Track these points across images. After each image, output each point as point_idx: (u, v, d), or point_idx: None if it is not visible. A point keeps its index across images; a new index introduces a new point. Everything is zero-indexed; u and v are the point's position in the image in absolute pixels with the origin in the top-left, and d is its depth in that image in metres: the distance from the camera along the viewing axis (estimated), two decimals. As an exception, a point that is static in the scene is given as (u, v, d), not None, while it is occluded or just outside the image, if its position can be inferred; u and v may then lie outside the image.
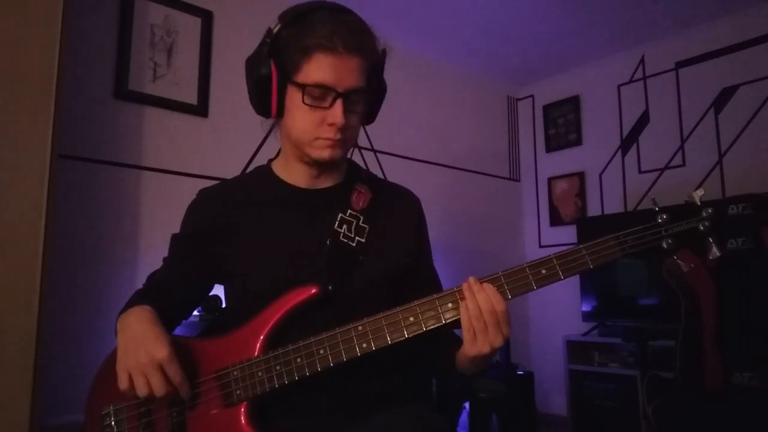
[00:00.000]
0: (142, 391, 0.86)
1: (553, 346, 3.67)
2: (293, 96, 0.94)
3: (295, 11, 0.93)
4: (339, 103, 0.92)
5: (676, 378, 2.10)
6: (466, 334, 0.86)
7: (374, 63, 0.97)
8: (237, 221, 1.02)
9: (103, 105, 2.31)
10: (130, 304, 0.98)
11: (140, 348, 0.87)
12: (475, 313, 0.85)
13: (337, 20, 0.91)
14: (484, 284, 0.87)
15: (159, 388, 0.85)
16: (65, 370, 2.02)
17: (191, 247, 1.05)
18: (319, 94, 0.92)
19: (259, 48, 0.95)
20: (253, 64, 0.96)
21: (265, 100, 0.96)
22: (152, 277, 1.09)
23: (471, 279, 0.87)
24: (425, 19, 3.21)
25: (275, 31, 0.93)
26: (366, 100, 0.98)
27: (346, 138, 0.97)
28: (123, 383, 0.87)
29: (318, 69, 0.90)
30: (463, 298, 0.87)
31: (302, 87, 0.91)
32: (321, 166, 1.02)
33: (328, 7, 0.94)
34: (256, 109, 1.01)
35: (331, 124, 0.93)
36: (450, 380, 2.51)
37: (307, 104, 0.92)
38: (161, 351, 0.86)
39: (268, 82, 0.94)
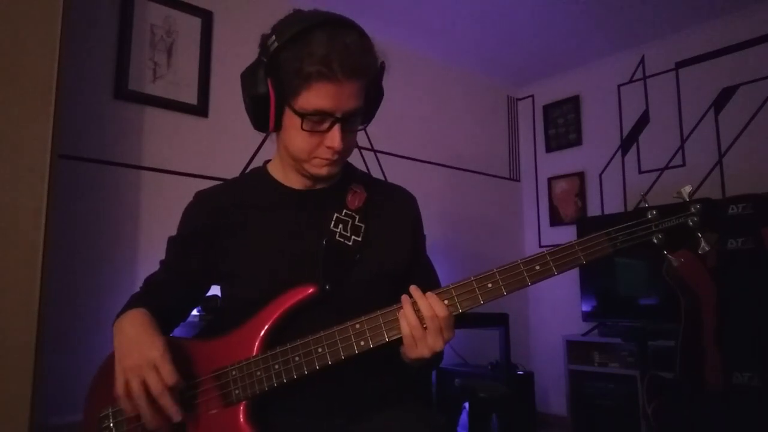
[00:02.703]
0: (136, 392, 0.85)
1: (553, 346, 3.67)
2: (291, 118, 0.93)
3: (292, 28, 0.89)
4: (337, 128, 0.92)
5: (676, 378, 2.10)
6: (405, 340, 0.88)
7: (373, 78, 0.96)
8: (234, 223, 1.02)
9: (103, 105, 2.31)
10: (126, 308, 0.99)
11: (134, 350, 0.87)
12: (414, 322, 0.87)
13: (337, 43, 0.87)
14: (427, 293, 0.89)
15: (156, 388, 0.85)
16: (65, 371, 2.02)
17: (188, 249, 1.05)
18: (318, 119, 0.92)
19: (256, 64, 0.93)
20: (249, 81, 0.93)
21: (262, 117, 0.94)
22: (149, 280, 1.09)
23: (412, 287, 0.89)
24: (425, 19, 3.21)
25: (272, 49, 0.89)
26: (363, 112, 0.97)
27: (344, 156, 0.98)
28: (120, 387, 0.87)
29: (317, 97, 0.89)
30: (401, 307, 0.89)
31: (301, 115, 0.90)
32: (318, 179, 1.03)
33: (327, 25, 0.89)
34: (253, 124, 0.99)
35: (329, 147, 0.94)
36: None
37: (305, 130, 0.92)
38: (155, 352, 0.86)
39: (266, 102, 0.92)
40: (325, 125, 0.92)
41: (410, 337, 0.87)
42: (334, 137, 0.92)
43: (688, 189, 0.92)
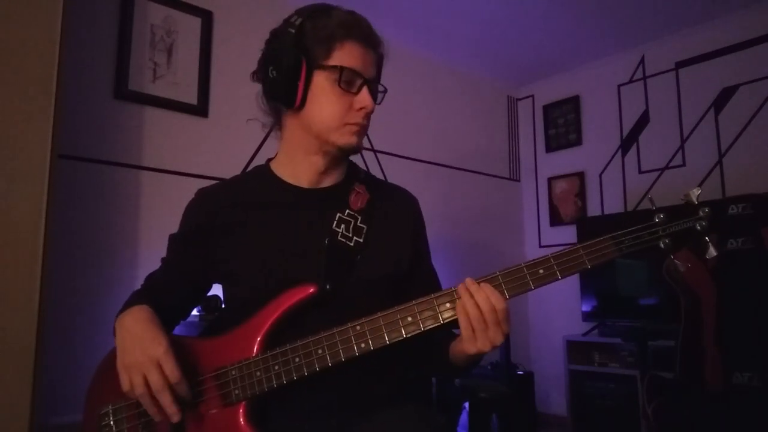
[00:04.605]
0: (139, 389, 0.85)
1: (553, 346, 3.67)
2: (321, 82, 0.95)
3: (314, 7, 0.96)
4: (366, 89, 0.96)
5: (676, 378, 2.10)
6: (465, 332, 0.86)
7: (380, 63, 1.02)
8: (235, 221, 1.02)
9: (103, 105, 2.31)
10: (127, 305, 0.98)
11: (137, 347, 0.87)
12: (475, 313, 0.84)
13: (357, 18, 0.97)
14: (482, 283, 0.86)
15: (157, 385, 0.85)
16: (65, 370, 2.02)
17: (189, 247, 1.05)
18: (349, 79, 0.95)
19: (280, 39, 0.95)
20: (275, 55, 0.95)
21: (290, 89, 0.95)
22: (150, 278, 1.09)
23: (468, 280, 0.87)
24: (425, 19, 3.21)
25: (297, 23, 0.94)
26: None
27: (367, 124, 1.00)
28: (125, 384, 0.87)
29: (350, 55, 0.94)
30: (459, 298, 0.86)
31: (339, 69, 0.93)
32: (336, 159, 1.03)
33: (343, 7, 0.98)
34: (277, 101, 1.00)
35: (361, 109, 0.96)
36: (444, 376, 2.50)
37: (342, 87, 0.94)
38: (158, 348, 0.86)
39: (296, 71, 0.94)
40: (355, 86, 0.96)
41: (469, 328, 0.85)
42: (366, 97, 0.96)
43: (697, 192, 0.90)
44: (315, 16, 0.95)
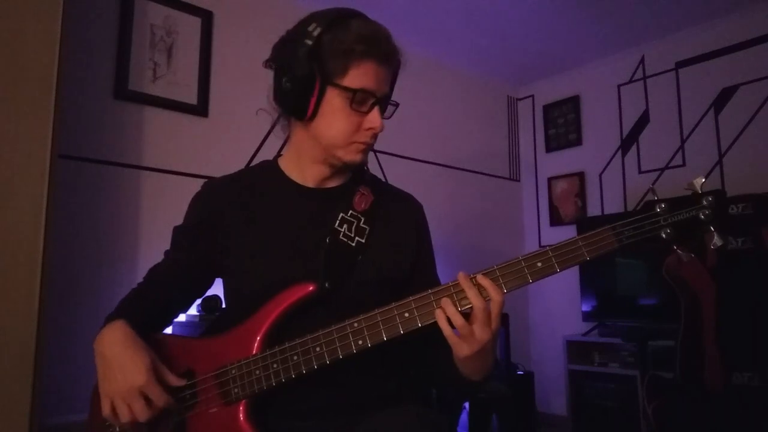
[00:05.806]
0: (125, 417, 0.86)
1: (553, 346, 3.67)
2: (333, 99, 0.94)
3: (333, 15, 0.93)
4: (377, 109, 0.95)
5: (676, 378, 2.10)
6: (450, 339, 0.85)
7: (396, 70, 1.02)
8: (238, 215, 1.02)
9: (103, 105, 2.31)
10: (118, 309, 0.98)
11: (118, 375, 0.86)
12: (459, 321, 0.84)
13: (376, 30, 0.94)
14: (479, 276, 0.86)
15: (141, 415, 0.86)
16: (65, 370, 2.02)
17: (193, 238, 1.05)
18: (362, 98, 0.94)
19: (295, 49, 0.92)
20: (290, 65, 0.93)
21: (302, 102, 0.94)
22: (153, 270, 1.08)
23: (460, 275, 0.87)
24: (425, 19, 3.21)
25: (315, 33, 0.91)
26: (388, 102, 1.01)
27: (374, 143, 1.00)
28: (106, 409, 0.87)
29: (365, 75, 0.93)
30: (439, 305, 0.86)
31: (353, 92, 0.92)
32: (342, 168, 1.03)
33: (360, 15, 0.96)
34: (287, 111, 0.99)
35: (370, 129, 0.95)
36: (457, 388, 2.48)
37: (354, 109, 0.93)
38: (139, 378, 0.86)
39: (310, 84, 0.92)
40: (367, 106, 0.95)
41: (454, 336, 0.84)
42: (375, 118, 0.95)
43: (700, 181, 0.87)
44: (333, 28, 0.92)
